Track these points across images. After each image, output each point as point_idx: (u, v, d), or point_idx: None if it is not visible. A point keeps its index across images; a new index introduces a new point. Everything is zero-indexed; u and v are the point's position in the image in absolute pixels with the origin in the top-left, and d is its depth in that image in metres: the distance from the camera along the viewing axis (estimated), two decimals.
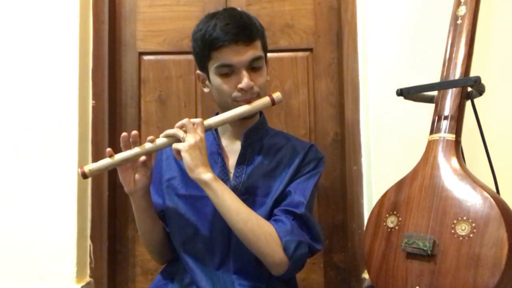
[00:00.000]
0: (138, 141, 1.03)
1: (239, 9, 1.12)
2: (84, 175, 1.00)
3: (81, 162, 1.48)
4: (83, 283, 1.46)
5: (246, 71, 1.04)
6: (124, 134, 1.02)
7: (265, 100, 1.07)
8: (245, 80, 1.03)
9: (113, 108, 1.60)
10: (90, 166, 1.01)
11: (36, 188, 1.46)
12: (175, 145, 1.00)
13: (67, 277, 1.44)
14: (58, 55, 1.49)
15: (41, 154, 1.47)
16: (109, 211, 1.55)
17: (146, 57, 1.64)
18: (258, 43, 1.06)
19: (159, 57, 1.64)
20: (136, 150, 1.01)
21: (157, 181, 1.16)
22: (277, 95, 1.08)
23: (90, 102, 1.55)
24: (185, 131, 1.00)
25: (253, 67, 1.06)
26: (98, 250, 1.53)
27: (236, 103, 1.06)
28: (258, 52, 1.06)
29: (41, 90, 1.49)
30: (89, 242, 1.53)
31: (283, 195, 1.08)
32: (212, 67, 1.06)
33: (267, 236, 0.99)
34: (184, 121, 1.01)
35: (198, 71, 1.14)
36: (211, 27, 1.03)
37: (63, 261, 1.44)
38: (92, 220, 1.53)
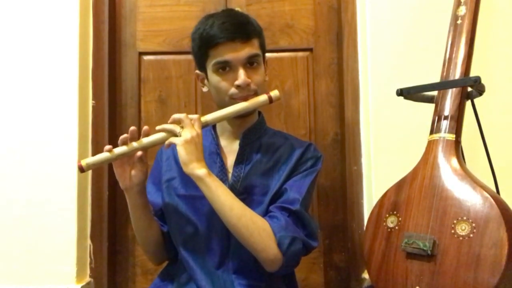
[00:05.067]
0: (136, 138, 1.03)
1: (239, 9, 1.13)
2: (81, 169, 1.01)
3: None
4: (83, 283, 1.46)
5: (243, 68, 1.05)
6: (124, 135, 1.03)
7: (263, 97, 1.07)
8: (241, 77, 1.04)
9: (113, 108, 1.60)
10: (87, 160, 1.02)
11: (36, 188, 1.46)
12: (171, 139, 1.00)
13: (67, 277, 1.44)
14: (58, 55, 1.49)
15: (41, 154, 1.47)
16: (109, 211, 1.55)
17: (146, 57, 1.64)
18: (255, 41, 1.07)
19: (159, 57, 1.64)
20: (133, 145, 1.02)
21: (157, 181, 1.17)
22: (274, 92, 1.08)
23: (90, 102, 1.55)
24: (182, 126, 1.01)
25: (250, 64, 1.06)
26: (98, 250, 1.53)
27: (233, 100, 1.07)
28: (255, 50, 1.07)
29: (41, 90, 1.49)
30: (89, 242, 1.53)
31: (280, 193, 1.08)
32: (209, 65, 1.07)
33: (261, 232, 0.99)
34: (182, 115, 1.02)
35: (197, 71, 1.15)
36: (209, 25, 1.05)
37: (63, 261, 1.44)
38: (92, 220, 1.53)
